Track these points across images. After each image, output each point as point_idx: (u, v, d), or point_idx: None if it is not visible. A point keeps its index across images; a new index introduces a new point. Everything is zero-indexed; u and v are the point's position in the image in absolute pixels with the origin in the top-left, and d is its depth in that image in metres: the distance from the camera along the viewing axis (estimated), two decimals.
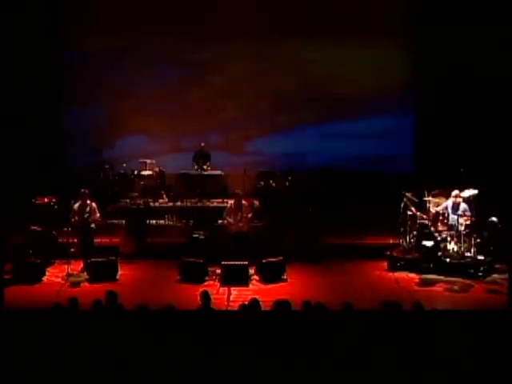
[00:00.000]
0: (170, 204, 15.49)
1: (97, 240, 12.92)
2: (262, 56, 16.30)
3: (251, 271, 12.17)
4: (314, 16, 16.18)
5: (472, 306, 10.96)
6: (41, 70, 15.69)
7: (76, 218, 12.59)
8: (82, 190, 12.70)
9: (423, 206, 13.00)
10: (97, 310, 7.87)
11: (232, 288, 11.60)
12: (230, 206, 13.47)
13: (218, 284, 11.86)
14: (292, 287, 11.76)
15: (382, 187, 14.42)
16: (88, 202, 12.67)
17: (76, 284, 11.94)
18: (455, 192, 12.66)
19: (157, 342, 7.09)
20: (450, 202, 12.70)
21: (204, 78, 16.52)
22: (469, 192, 12.77)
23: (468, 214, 12.56)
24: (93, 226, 12.67)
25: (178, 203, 15.45)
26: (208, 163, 15.90)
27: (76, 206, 12.67)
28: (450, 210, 12.64)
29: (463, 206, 12.64)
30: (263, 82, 16.39)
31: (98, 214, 12.76)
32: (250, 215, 13.32)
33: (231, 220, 13.18)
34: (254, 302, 7.85)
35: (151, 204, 15.19)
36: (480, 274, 12.22)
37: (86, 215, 12.57)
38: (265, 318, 7.58)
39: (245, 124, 16.49)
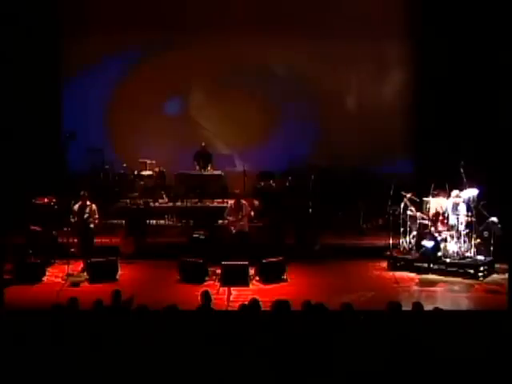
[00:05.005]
0: (170, 204, 15.50)
1: (97, 240, 12.92)
2: (261, 55, 16.31)
3: (251, 271, 12.16)
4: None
5: (472, 306, 10.98)
6: (41, 69, 15.69)
7: (76, 218, 12.60)
8: (82, 193, 12.70)
9: (423, 206, 13.01)
10: (98, 310, 7.87)
11: (232, 288, 11.60)
12: (231, 206, 13.47)
13: (218, 284, 11.85)
14: (292, 287, 11.76)
15: (382, 187, 14.39)
16: (88, 203, 12.67)
17: (76, 284, 11.93)
18: (455, 192, 12.67)
19: (157, 341, 7.09)
20: (449, 202, 12.70)
21: (203, 77, 16.54)
22: (469, 192, 12.77)
23: (468, 214, 12.56)
24: (92, 226, 12.66)
25: (178, 203, 15.46)
26: (210, 164, 15.89)
27: (76, 206, 12.68)
28: (449, 211, 12.65)
29: (463, 206, 12.64)
30: (263, 82, 16.41)
31: (97, 216, 12.74)
32: (252, 213, 13.29)
33: (231, 218, 13.13)
34: (254, 302, 7.84)
35: (151, 204, 15.19)
36: (480, 274, 12.22)
37: (85, 215, 12.56)
38: (265, 317, 7.57)
39: (245, 124, 16.49)
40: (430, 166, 15.01)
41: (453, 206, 12.66)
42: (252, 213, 13.33)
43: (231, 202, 13.79)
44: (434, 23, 15.49)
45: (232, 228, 13.11)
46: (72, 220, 12.64)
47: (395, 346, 6.96)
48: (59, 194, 14.34)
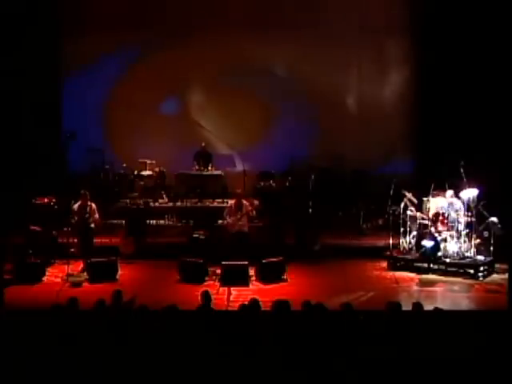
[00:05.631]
0: (170, 204, 15.50)
1: (97, 240, 12.91)
2: (261, 54, 16.31)
3: (251, 272, 12.16)
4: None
5: (472, 306, 10.98)
6: (40, 69, 15.70)
7: (76, 218, 12.59)
8: (82, 192, 12.70)
9: (423, 206, 13.01)
10: (98, 310, 7.87)
11: (232, 288, 11.60)
12: (231, 206, 13.45)
13: (218, 284, 11.85)
14: (292, 287, 11.75)
15: (382, 187, 14.41)
16: (88, 202, 12.67)
17: (76, 284, 11.92)
18: (450, 193, 12.70)
19: (157, 341, 7.10)
20: (446, 203, 12.70)
21: (203, 76, 16.54)
22: (469, 192, 12.77)
23: (466, 213, 12.56)
24: (92, 226, 12.66)
25: (178, 203, 15.46)
26: (211, 164, 15.89)
27: (76, 206, 12.68)
28: (448, 211, 12.65)
29: (460, 206, 12.65)
30: (263, 82, 16.41)
31: (97, 216, 12.74)
32: (253, 212, 13.27)
33: (230, 220, 13.11)
34: (254, 302, 7.85)
35: (151, 204, 15.19)
36: (480, 274, 12.22)
37: (86, 215, 12.56)
38: (265, 317, 7.57)
39: (245, 123, 16.49)
40: (430, 165, 15.02)
41: (449, 206, 12.67)
42: (253, 212, 13.28)
43: (231, 202, 13.77)
44: (435, 22, 15.46)
45: (230, 229, 13.06)
46: (72, 220, 12.63)
47: (396, 346, 6.97)
48: (59, 194, 14.34)
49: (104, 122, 16.33)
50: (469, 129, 14.65)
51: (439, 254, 12.53)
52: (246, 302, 8.04)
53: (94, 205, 12.74)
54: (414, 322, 7.46)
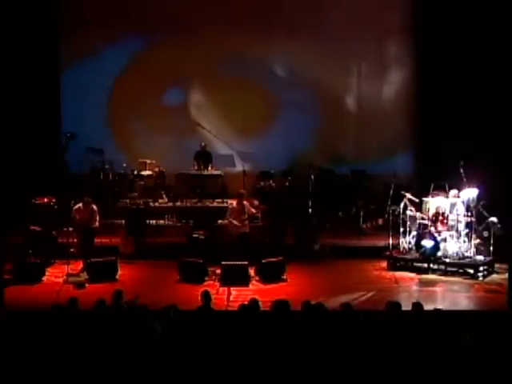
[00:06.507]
0: (170, 204, 15.49)
1: (97, 240, 12.90)
2: (261, 53, 16.32)
3: (251, 272, 12.16)
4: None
5: (472, 306, 10.98)
6: (41, 69, 15.70)
7: (77, 217, 12.59)
8: (86, 199, 12.66)
9: (423, 206, 13.01)
10: (98, 310, 7.87)
11: (232, 288, 11.60)
12: (233, 208, 13.40)
13: (218, 284, 11.85)
14: (292, 287, 11.75)
15: (382, 187, 14.43)
16: (91, 206, 12.66)
17: (80, 285, 11.88)
18: (454, 192, 12.69)
19: (156, 341, 7.10)
20: (447, 203, 12.70)
21: (203, 76, 16.54)
22: (468, 192, 12.77)
23: (465, 213, 12.57)
24: (93, 226, 12.63)
25: (178, 203, 15.45)
26: (210, 164, 15.89)
27: (77, 206, 12.68)
28: (447, 211, 12.65)
29: (460, 206, 12.65)
30: (264, 81, 16.41)
31: (98, 219, 12.70)
32: (258, 215, 13.25)
33: (235, 222, 13.02)
34: (254, 302, 7.85)
35: (151, 204, 15.18)
36: (480, 274, 12.23)
37: (87, 217, 12.54)
38: (265, 317, 7.58)
39: (245, 123, 16.48)
40: (430, 165, 15.02)
41: (450, 206, 12.67)
42: (257, 214, 13.27)
43: (233, 202, 13.76)
44: (435, 22, 15.44)
45: (233, 231, 13.03)
46: (73, 220, 12.62)
47: (395, 346, 6.97)
48: (59, 194, 14.34)
49: (104, 122, 16.32)
50: (469, 128, 14.64)
51: (439, 254, 12.53)
52: (246, 302, 8.05)
53: (95, 206, 12.73)
54: (413, 321, 7.46)
